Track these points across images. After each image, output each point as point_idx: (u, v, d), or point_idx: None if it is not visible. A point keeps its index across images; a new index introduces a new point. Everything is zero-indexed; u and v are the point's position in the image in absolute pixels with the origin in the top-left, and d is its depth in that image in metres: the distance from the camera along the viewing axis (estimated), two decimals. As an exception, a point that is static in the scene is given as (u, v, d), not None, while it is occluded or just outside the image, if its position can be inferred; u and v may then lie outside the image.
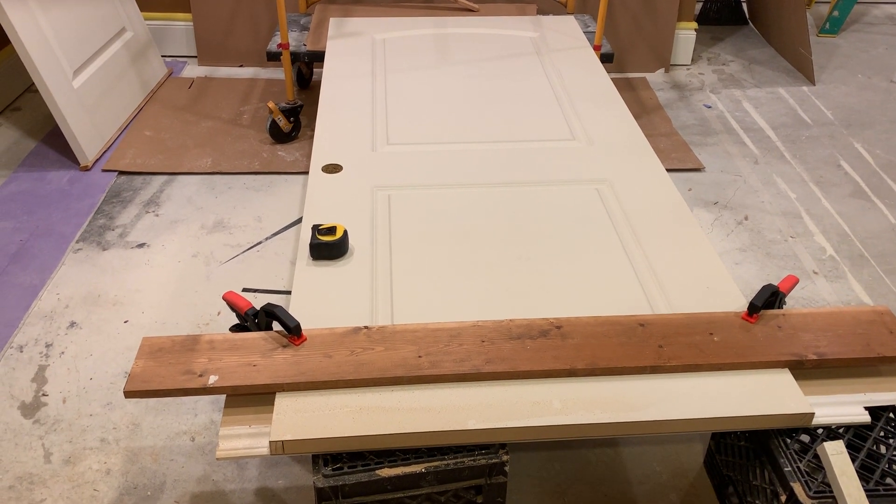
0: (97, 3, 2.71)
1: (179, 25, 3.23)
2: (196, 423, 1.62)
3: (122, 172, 2.49)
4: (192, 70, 3.20)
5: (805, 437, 1.24)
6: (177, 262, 2.09)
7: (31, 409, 1.65)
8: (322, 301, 1.41)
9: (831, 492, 1.15)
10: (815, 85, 3.21)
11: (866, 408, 1.26)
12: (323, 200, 1.69)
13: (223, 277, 2.03)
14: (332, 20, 2.71)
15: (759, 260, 2.15)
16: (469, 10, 2.88)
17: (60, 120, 2.42)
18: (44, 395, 1.68)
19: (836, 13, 3.69)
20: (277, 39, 2.66)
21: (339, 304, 1.40)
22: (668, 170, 2.52)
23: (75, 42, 2.53)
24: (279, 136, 2.64)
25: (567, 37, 2.58)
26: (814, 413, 1.21)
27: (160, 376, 1.22)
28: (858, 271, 2.11)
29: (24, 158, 2.55)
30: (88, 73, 2.58)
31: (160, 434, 1.60)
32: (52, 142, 2.63)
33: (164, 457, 1.55)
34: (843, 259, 2.16)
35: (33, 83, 2.42)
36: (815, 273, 2.10)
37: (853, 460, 1.19)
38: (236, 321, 1.41)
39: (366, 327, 1.31)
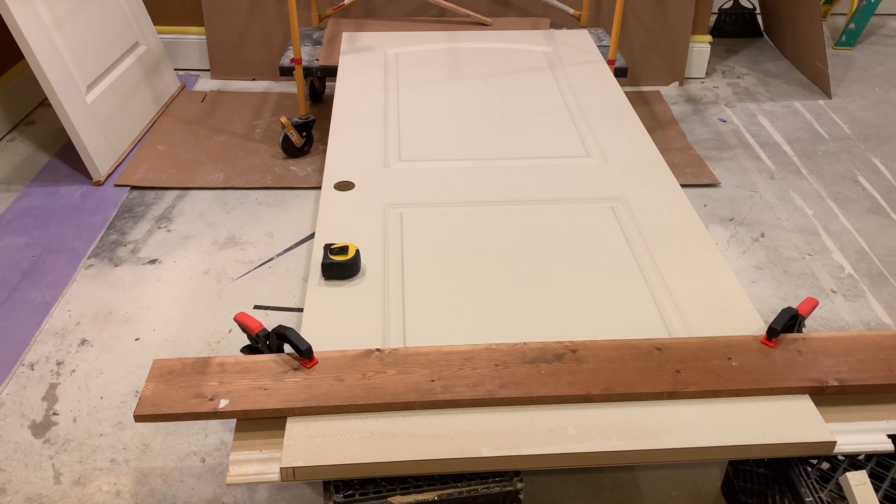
0: (111, 17, 2.72)
1: (192, 39, 3.24)
2: (207, 444, 1.61)
3: (134, 187, 2.49)
4: (205, 83, 3.20)
5: (826, 465, 1.21)
6: (188, 278, 2.08)
7: (41, 428, 1.64)
8: (334, 322, 1.40)
9: (854, 524, 1.12)
10: (831, 98, 3.18)
11: (889, 436, 1.23)
12: (335, 218, 1.68)
13: (234, 294, 2.02)
14: (344, 35, 2.71)
15: (776, 278, 2.12)
16: (482, 24, 2.87)
17: (73, 134, 2.42)
18: (54, 413, 1.68)
19: (852, 25, 3.65)
20: (290, 54, 2.66)
21: (351, 326, 1.39)
22: (682, 185, 2.49)
23: (89, 57, 2.54)
24: (291, 151, 2.64)
25: (581, 51, 2.57)
26: (835, 441, 1.18)
27: (170, 400, 1.21)
28: (878, 290, 2.08)
29: (37, 173, 2.55)
30: (102, 88, 2.59)
31: (170, 455, 1.58)
32: (65, 156, 2.63)
33: (174, 478, 1.54)
34: (862, 277, 2.13)
35: (47, 97, 2.44)
36: (834, 292, 2.07)
37: (876, 490, 1.16)
38: (247, 341, 1.40)
39: (378, 350, 1.30)
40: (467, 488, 1.15)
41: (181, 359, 1.28)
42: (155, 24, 3.08)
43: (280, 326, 1.29)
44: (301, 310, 1.90)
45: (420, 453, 1.14)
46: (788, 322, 1.34)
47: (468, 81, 2.34)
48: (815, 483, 1.18)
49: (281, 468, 1.13)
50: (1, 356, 1.82)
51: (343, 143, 1.98)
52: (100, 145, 2.52)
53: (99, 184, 2.49)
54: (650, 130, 2.85)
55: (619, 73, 2.61)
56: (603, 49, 2.66)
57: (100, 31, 2.63)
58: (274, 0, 3.10)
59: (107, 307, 1.98)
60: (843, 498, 1.16)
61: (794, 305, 1.38)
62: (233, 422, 1.61)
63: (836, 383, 1.25)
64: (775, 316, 1.34)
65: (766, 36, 3.84)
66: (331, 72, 2.59)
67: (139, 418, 1.19)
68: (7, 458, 1.57)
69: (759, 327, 1.39)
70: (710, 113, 3.05)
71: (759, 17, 3.85)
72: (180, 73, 3.27)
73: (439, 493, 1.14)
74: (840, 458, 1.22)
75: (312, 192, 2.46)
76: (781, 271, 2.15)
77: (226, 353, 1.82)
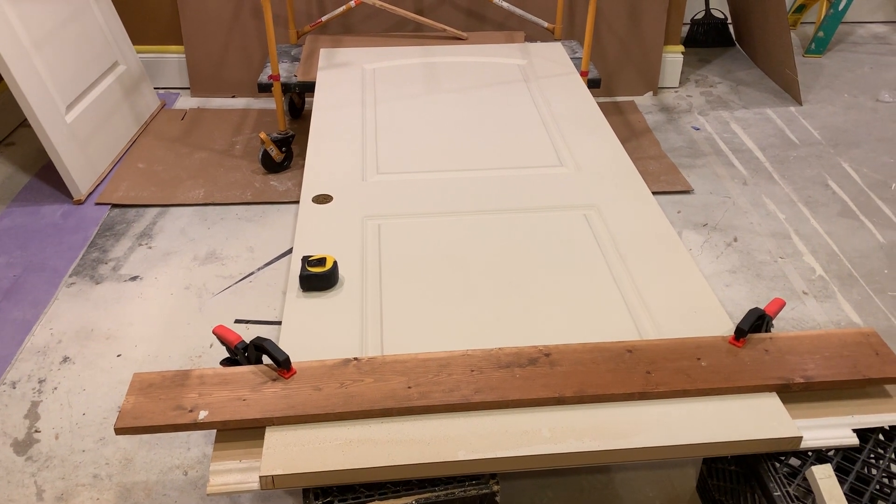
0: (90, 38, 2.74)
1: (172, 58, 3.27)
2: (189, 457, 1.62)
3: (115, 205, 2.50)
4: (185, 101, 3.23)
5: (795, 461, 1.25)
6: (169, 294, 2.09)
7: (23, 445, 1.65)
8: (312, 333, 1.42)
9: (821, 516, 1.15)
10: (801, 105, 3.25)
11: (854, 430, 1.26)
12: (313, 231, 1.71)
13: (215, 309, 2.04)
14: (322, 51, 2.74)
15: (749, 281, 2.16)
16: (458, 39, 2.91)
17: (53, 154, 2.44)
18: (36, 431, 1.69)
19: (821, 33, 3.73)
20: (268, 71, 2.69)
21: (330, 336, 1.41)
22: (657, 192, 2.54)
23: (68, 77, 2.56)
24: (271, 166, 2.66)
25: (554, 63, 2.62)
26: (802, 436, 1.22)
27: (151, 412, 1.23)
28: (848, 291, 2.13)
29: (17, 193, 2.56)
30: (81, 108, 2.60)
31: (153, 469, 1.59)
32: (46, 176, 2.64)
33: (157, 492, 1.55)
34: (833, 279, 2.17)
35: (27, 118, 2.46)
36: (805, 293, 2.12)
37: (842, 483, 1.19)
38: (227, 354, 1.42)
39: (355, 359, 1.32)
40: (444, 492, 1.17)
41: (161, 372, 1.30)
42: (134, 43, 3.10)
43: (258, 338, 1.31)
44: (281, 322, 1.92)
45: (397, 459, 1.16)
46: (756, 322, 1.37)
47: (444, 95, 2.38)
48: (783, 478, 1.21)
49: (260, 477, 1.14)
50: (-18, 376, 1.83)
51: (321, 157, 2.01)
52: (80, 164, 2.53)
53: (80, 203, 2.51)
54: (625, 139, 2.90)
55: (593, 84, 2.66)
56: (577, 61, 2.71)
57: (79, 51, 2.65)
58: (252, 18, 3.13)
59: (88, 324, 1.99)
60: (811, 492, 1.19)
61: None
62: (214, 435, 1.63)
63: (802, 380, 1.29)
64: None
65: (737, 45, 3.91)
66: (309, 87, 2.63)
67: (120, 431, 1.20)
68: (-11, 476, 1.58)
69: (727, 328, 1.42)
70: (684, 121, 3.11)
71: (731, 27, 3.93)
72: (160, 91, 3.29)
73: (417, 497, 1.17)
74: (808, 453, 1.25)
75: (292, 207, 2.49)
76: (754, 274, 2.19)
77: (207, 367, 1.84)
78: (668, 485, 1.55)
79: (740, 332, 1.35)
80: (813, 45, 3.76)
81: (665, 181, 2.64)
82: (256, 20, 3.13)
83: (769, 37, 3.44)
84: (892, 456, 1.25)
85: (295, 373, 1.28)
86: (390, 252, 1.64)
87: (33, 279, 2.15)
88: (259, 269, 2.19)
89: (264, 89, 2.67)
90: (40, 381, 1.81)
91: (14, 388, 1.80)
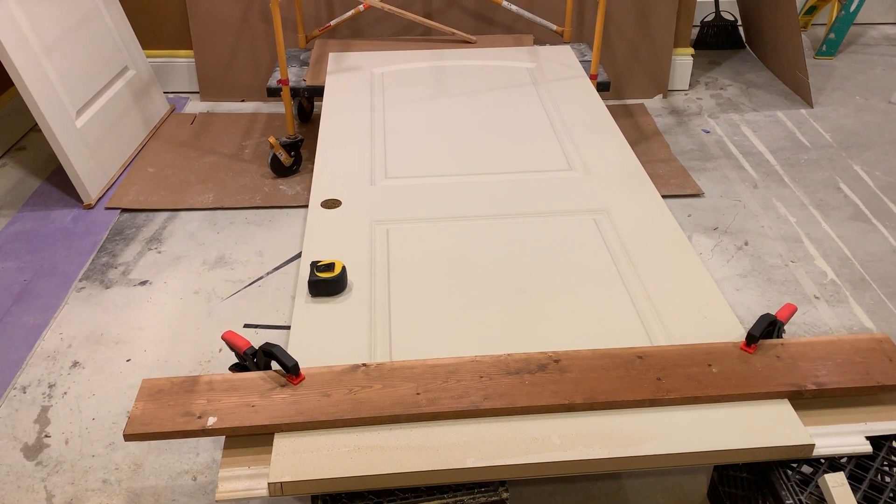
0: (100, 43, 2.75)
1: (181, 62, 3.28)
2: (198, 463, 1.62)
3: (124, 210, 2.51)
4: (195, 106, 3.24)
5: (807, 469, 1.23)
6: (179, 298, 2.10)
7: (33, 450, 1.66)
8: (321, 338, 1.42)
9: (834, 525, 1.14)
10: (812, 107, 3.23)
11: (867, 437, 1.25)
12: (322, 236, 1.71)
13: (224, 314, 2.04)
14: (331, 55, 2.74)
15: (759, 286, 2.14)
16: (466, 42, 2.91)
17: (63, 159, 2.45)
18: (46, 436, 1.69)
19: (832, 35, 3.71)
20: (277, 75, 2.69)
21: (338, 341, 1.41)
22: (667, 196, 2.53)
23: (78, 82, 2.57)
24: (280, 171, 2.67)
25: (563, 66, 2.61)
26: (814, 444, 1.21)
27: (160, 418, 1.23)
28: (860, 295, 2.11)
29: (28, 198, 2.58)
30: (91, 113, 2.61)
31: (162, 474, 1.60)
32: (56, 181, 2.66)
33: (166, 497, 1.55)
34: (845, 283, 2.16)
35: (37, 123, 2.48)
36: (817, 298, 2.10)
37: (855, 491, 1.18)
38: (236, 359, 1.42)
39: (364, 365, 1.32)
40: (453, 499, 1.17)
41: (170, 378, 1.30)
42: (144, 48, 3.11)
43: (267, 344, 1.31)
44: (290, 327, 1.92)
45: (406, 466, 1.16)
46: (767, 328, 1.36)
47: (453, 98, 2.37)
48: (795, 486, 1.20)
49: (269, 483, 1.14)
50: (-7, 380, 1.83)
51: (330, 162, 2.01)
52: (90, 169, 2.54)
53: (90, 207, 2.52)
54: (635, 143, 2.89)
55: (602, 88, 2.65)
56: (586, 64, 2.70)
57: (89, 56, 2.66)
58: (261, 22, 3.14)
59: (98, 329, 1.99)
60: (823, 500, 1.18)
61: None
62: (223, 440, 1.63)
63: (814, 387, 1.28)
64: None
65: (748, 47, 3.89)
66: (318, 92, 2.63)
67: (129, 437, 1.21)
68: (0, 481, 1.58)
69: (739, 334, 1.41)
70: (694, 124, 3.09)
71: (741, 29, 3.91)
72: (170, 95, 3.30)
73: (426, 504, 1.16)
74: (820, 460, 1.24)
75: (301, 211, 2.49)
76: (765, 279, 2.17)
77: (216, 372, 1.84)
78: (679, 492, 1.54)
79: (752, 338, 1.34)
80: (824, 47, 3.74)
81: (675, 184, 2.63)
82: (265, 24, 3.14)
83: (780, 39, 3.42)
84: (906, 464, 1.23)
85: (304, 379, 1.28)
86: (399, 257, 1.64)
87: (44, 284, 2.16)
88: (268, 274, 2.19)
89: (273, 93, 2.67)
90: (50, 386, 1.82)
91: (24, 392, 1.80)
